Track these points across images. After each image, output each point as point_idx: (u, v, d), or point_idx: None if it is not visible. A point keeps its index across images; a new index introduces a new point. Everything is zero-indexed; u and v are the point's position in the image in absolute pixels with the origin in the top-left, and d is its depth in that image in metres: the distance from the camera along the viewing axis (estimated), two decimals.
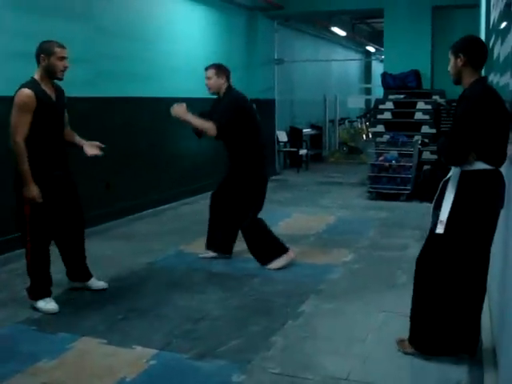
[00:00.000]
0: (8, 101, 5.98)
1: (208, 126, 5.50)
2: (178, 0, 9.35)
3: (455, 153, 3.51)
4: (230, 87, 5.75)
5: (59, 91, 4.71)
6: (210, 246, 6.03)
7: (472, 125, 3.42)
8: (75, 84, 6.74)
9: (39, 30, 6.41)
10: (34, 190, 4.40)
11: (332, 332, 4.17)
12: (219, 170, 11.01)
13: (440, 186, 3.70)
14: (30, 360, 3.70)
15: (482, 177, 3.48)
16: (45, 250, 4.65)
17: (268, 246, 5.76)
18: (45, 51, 4.48)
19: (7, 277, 5.43)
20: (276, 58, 12.79)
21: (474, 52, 3.57)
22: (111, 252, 6.26)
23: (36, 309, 4.57)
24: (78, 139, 4.90)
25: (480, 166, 3.46)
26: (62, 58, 4.51)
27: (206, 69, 5.75)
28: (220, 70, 5.71)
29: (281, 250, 5.75)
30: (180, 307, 4.67)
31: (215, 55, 10.44)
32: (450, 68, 3.67)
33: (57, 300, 4.72)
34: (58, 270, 5.04)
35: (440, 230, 3.56)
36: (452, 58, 3.63)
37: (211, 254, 6.00)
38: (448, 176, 3.65)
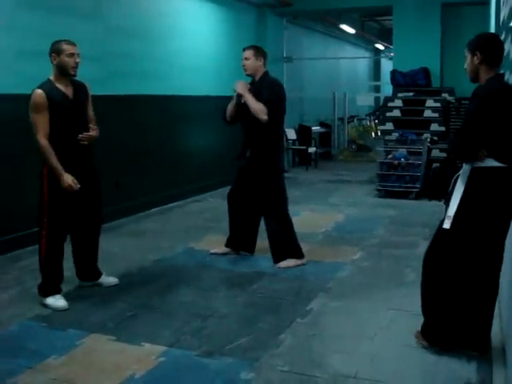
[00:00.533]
0: (20, 99, 6.03)
1: (261, 108, 5.41)
2: None
3: (464, 149, 3.52)
4: (267, 72, 5.67)
5: (79, 87, 4.76)
6: (231, 244, 5.99)
7: (481, 122, 3.42)
8: (84, 82, 6.78)
9: (50, 29, 6.46)
10: (68, 179, 4.48)
11: (340, 330, 4.17)
12: (228, 168, 11.00)
13: (452, 181, 3.68)
14: (39, 356, 3.73)
15: (492, 174, 3.48)
16: (59, 247, 4.68)
17: (288, 244, 5.72)
18: (55, 50, 4.55)
19: (18, 274, 5.46)
20: (285, 55, 12.78)
21: (491, 50, 3.55)
22: (120, 249, 6.28)
23: (45, 305, 4.59)
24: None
25: (491, 163, 3.46)
26: (72, 55, 4.55)
27: (244, 49, 5.65)
28: (258, 51, 5.62)
29: (297, 252, 5.73)
30: (189, 304, 4.68)
31: (224, 53, 10.48)
32: (466, 65, 3.64)
33: (67, 297, 4.75)
34: (68, 266, 5.07)
35: (447, 225, 3.56)
36: (468, 56, 3.61)
37: (223, 249, 5.98)
38: (460, 172, 3.63)
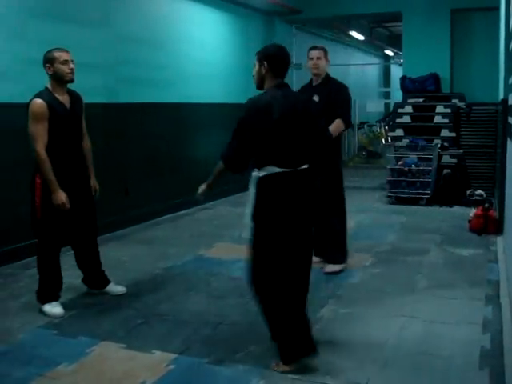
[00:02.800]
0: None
1: (338, 127, 5.43)
2: (196, 6, 9.39)
3: (232, 159, 3.67)
4: (329, 74, 5.72)
5: (75, 98, 4.74)
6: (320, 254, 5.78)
7: (247, 132, 3.57)
8: (94, 90, 6.82)
9: (60, 38, 6.48)
10: (61, 196, 4.46)
11: (351, 337, 4.14)
12: (237, 176, 10.93)
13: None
14: (50, 364, 3.73)
15: (276, 179, 3.59)
16: (53, 255, 4.69)
17: (342, 247, 5.71)
18: (48, 60, 4.53)
19: (28, 281, 5.47)
20: (294, 62, 12.77)
21: (277, 61, 3.72)
22: (130, 257, 6.29)
23: (43, 312, 4.62)
24: (89, 164, 4.92)
25: (272, 169, 3.58)
26: (66, 62, 4.52)
27: (313, 49, 5.70)
28: (326, 52, 5.70)
29: (345, 257, 5.72)
30: (199, 312, 4.67)
31: (233, 60, 10.51)
32: (254, 73, 3.80)
33: (76, 304, 4.76)
34: (76, 274, 5.08)
35: (245, 233, 3.71)
36: (257, 65, 3.76)
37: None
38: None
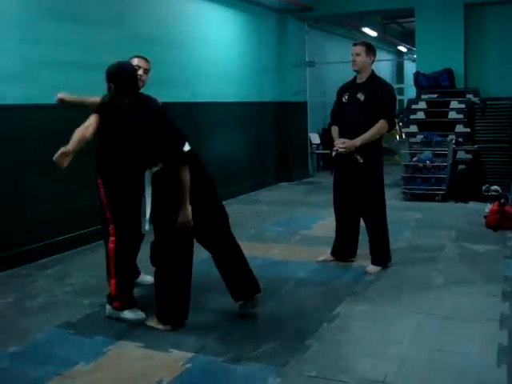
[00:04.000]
0: (46, 109, 6.11)
1: (381, 128, 5.37)
2: (208, 5, 9.40)
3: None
4: (374, 72, 5.60)
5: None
6: (337, 254, 5.88)
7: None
8: None
9: (74, 39, 6.54)
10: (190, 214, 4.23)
11: (368, 334, 4.14)
12: (252, 174, 11.01)
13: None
14: (67, 363, 3.75)
15: (162, 174, 4.18)
16: (128, 250, 4.69)
17: (384, 249, 5.69)
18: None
19: (46, 281, 5.51)
20: (307, 60, 12.76)
21: (120, 79, 4.09)
22: (145, 256, 6.28)
23: (123, 320, 4.48)
24: None
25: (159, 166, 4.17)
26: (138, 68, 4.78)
27: (355, 45, 5.59)
28: (370, 48, 5.55)
29: (388, 258, 5.72)
30: (215, 310, 4.69)
31: (246, 59, 10.51)
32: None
33: (93, 304, 4.78)
34: (93, 274, 5.11)
35: (143, 229, 4.45)
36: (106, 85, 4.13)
37: (330, 257, 5.90)
38: None
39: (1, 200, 5.84)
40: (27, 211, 6.11)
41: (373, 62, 5.58)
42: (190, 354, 3.85)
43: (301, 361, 3.72)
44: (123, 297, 4.50)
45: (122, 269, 4.53)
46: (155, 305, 4.34)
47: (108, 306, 4.55)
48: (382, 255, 5.66)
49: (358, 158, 5.41)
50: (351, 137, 5.39)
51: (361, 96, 5.43)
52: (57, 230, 6.42)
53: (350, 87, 5.63)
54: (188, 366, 3.71)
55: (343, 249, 5.85)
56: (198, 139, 8.96)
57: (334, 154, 5.58)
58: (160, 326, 4.28)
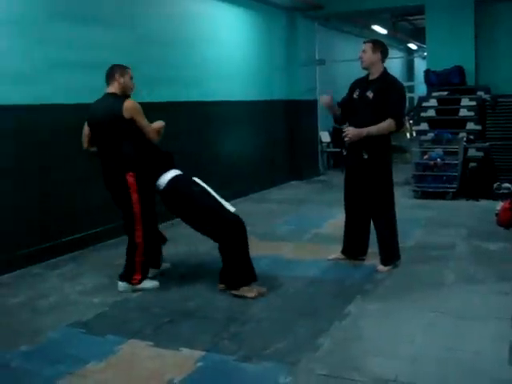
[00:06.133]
0: (57, 109, 6.15)
1: (389, 125, 5.30)
2: (218, 4, 9.40)
3: None
4: (386, 70, 5.55)
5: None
6: (347, 253, 5.87)
7: None
8: None
9: (83, 39, 6.55)
10: None
11: (379, 333, 4.12)
12: (260, 173, 10.99)
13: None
14: (79, 362, 3.77)
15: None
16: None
17: (393, 248, 5.66)
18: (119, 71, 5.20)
19: (56, 281, 5.54)
20: (317, 58, 12.74)
21: None
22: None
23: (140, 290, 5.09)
24: None
25: None
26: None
27: (364, 42, 5.59)
28: (376, 45, 5.50)
29: (397, 257, 5.69)
30: (225, 309, 4.69)
31: (256, 57, 10.51)
32: None
33: (104, 303, 4.80)
34: (104, 273, 5.12)
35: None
36: None
37: (340, 256, 5.89)
38: None
39: (12, 201, 5.86)
40: (38, 211, 6.13)
41: (383, 59, 5.53)
42: (201, 353, 3.85)
43: (312, 359, 3.72)
44: (144, 273, 5.16)
45: (146, 256, 5.17)
46: (227, 277, 4.99)
47: (121, 283, 5.10)
48: (388, 254, 5.63)
49: (364, 153, 5.40)
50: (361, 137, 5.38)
51: (370, 94, 5.41)
52: (67, 230, 6.44)
53: (362, 83, 5.61)
54: (199, 364, 3.71)
55: (354, 247, 5.83)
56: (207, 138, 9.00)
57: (344, 152, 5.57)
58: (246, 292, 4.90)
